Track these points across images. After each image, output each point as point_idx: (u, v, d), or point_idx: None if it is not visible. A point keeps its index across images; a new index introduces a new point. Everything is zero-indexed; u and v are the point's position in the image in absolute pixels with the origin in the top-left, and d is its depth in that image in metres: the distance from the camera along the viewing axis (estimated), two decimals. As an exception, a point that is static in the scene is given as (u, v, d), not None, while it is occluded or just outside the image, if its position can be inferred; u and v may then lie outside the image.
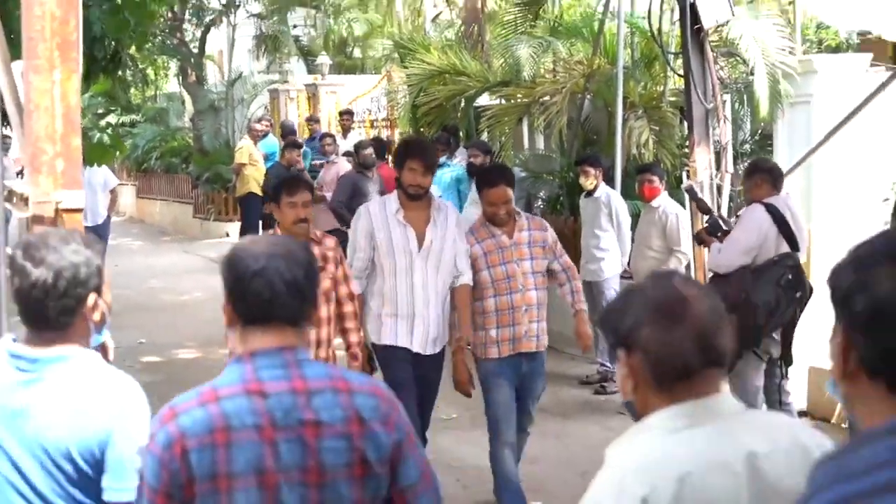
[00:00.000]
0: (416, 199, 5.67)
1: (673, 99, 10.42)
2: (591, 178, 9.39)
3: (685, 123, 9.71)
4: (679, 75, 9.72)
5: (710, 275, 7.16)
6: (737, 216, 8.05)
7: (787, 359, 6.86)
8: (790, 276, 6.52)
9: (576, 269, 6.59)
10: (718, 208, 9.03)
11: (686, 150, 9.55)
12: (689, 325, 2.24)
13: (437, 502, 2.81)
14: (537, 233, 6.18)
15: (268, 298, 2.47)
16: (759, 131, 10.34)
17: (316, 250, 4.69)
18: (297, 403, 2.46)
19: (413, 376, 5.78)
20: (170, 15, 21.40)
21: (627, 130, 10.25)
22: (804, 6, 8.41)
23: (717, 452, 2.30)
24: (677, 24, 9.46)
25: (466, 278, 5.79)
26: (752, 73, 10.14)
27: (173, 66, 25.40)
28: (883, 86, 7.89)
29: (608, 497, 2.28)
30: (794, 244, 6.61)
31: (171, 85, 27.88)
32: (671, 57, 10.25)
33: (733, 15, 9.64)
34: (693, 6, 8.89)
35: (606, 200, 9.20)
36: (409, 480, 2.61)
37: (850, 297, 1.76)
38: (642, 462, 2.32)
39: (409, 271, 5.61)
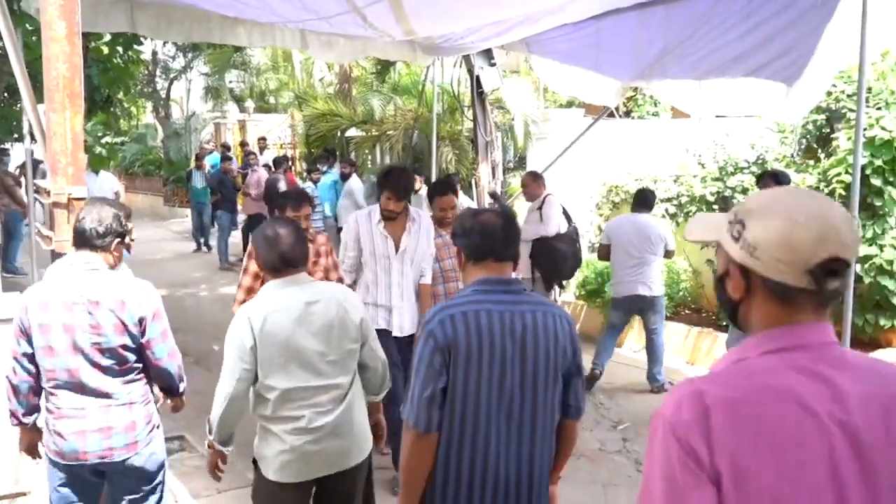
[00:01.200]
0: (390, 221, 4.57)
1: (466, 134, 10.61)
2: (418, 183, 9.58)
3: (474, 149, 9.92)
4: (470, 120, 9.95)
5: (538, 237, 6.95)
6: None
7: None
8: (576, 238, 7.04)
9: None
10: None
11: (475, 166, 9.73)
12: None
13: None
14: None
15: None
16: (518, 156, 10.63)
17: (310, 247, 3.61)
18: None
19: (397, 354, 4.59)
20: (146, 72, 20.81)
21: (440, 154, 10.40)
22: (543, 79, 8.65)
23: (287, 301, 2.89)
24: (469, 88, 9.65)
25: (428, 278, 4.82)
26: (513, 119, 10.44)
27: (148, 105, 24.43)
28: (588, 128, 8.31)
29: (235, 325, 2.88)
30: (570, 220, 7.05)
31: (148, 118, 26.79)
32: (466, 108, 10.52)
33: (502, 83, 9.94)
34: (478, 77, 9.12)
35: (423, 195, 9.23)
36: None
37: (464, 230, 2.49)
38: (255, 304, 2.92)
39: (388, 271, 4.62)
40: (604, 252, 6.77)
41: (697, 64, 6.13)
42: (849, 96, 6.53)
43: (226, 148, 16.76)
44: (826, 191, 6.66)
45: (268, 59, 21.72)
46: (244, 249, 12.06)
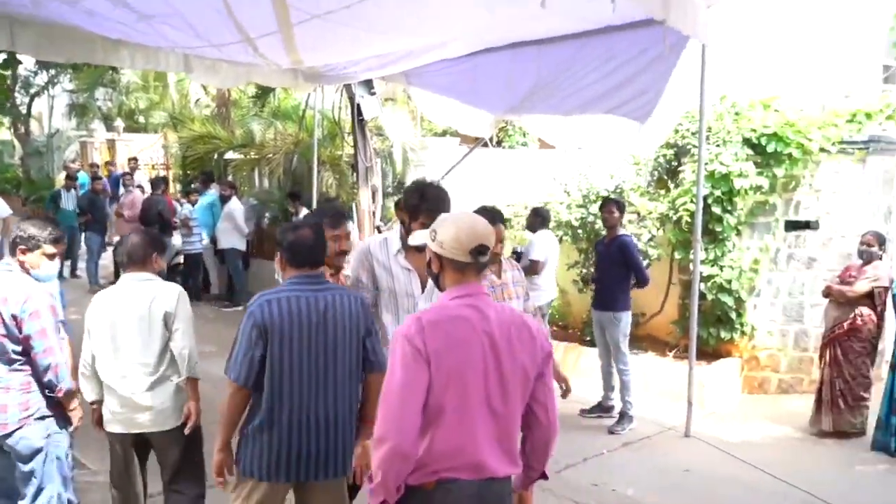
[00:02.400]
0: (413, 252, 3.58)
1: (347, 159, 10.80)
2: (295, 206, 9.71)
3: (355, 174, 10.16)
4: (351, 146, 10.19)
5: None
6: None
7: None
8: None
9: None
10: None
11: (355, 191, 9.95)
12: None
13: None
14: (517, 273, 4.26)
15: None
16: (397, 181, 10.92)
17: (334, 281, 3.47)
18: None
19: None
20: (4, 86, 19.62)
21: (320, 178, 10.54)
22: (421, 109, 9.03)
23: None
24: (349, 115, 9.91)
25: None
26: (392, 146, 10.76)
27: (6, 121, 23.02)
28: (464, 157, 8.77)
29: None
30: None
31: (5, 135, 25.21)
32: (346, 134, 10.76)
33: (381, 112, 10.27)
34: (359, 105, 9.41)
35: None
36: None
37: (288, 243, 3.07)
38: None
39: (410, 313, 3.54)
40: (540, 268, 7.07)
41: (563, 101, 6.69)
42: (693, 134, 7.31)
43: (95, 168, 16.21)
44: (675, 217, 7.41)
45: (138, 78, 21.06)
46: (115, 271, 11.73)
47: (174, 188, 14.30)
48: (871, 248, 6.20)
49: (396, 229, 3.59)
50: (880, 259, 6.24)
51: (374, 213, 9.84)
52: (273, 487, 3.02)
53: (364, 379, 3.18)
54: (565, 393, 4.10)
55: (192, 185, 11.79)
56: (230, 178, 11.90)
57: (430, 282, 3.31)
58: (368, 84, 9.35)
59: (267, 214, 11.61)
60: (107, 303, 3.64)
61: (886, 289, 6.08)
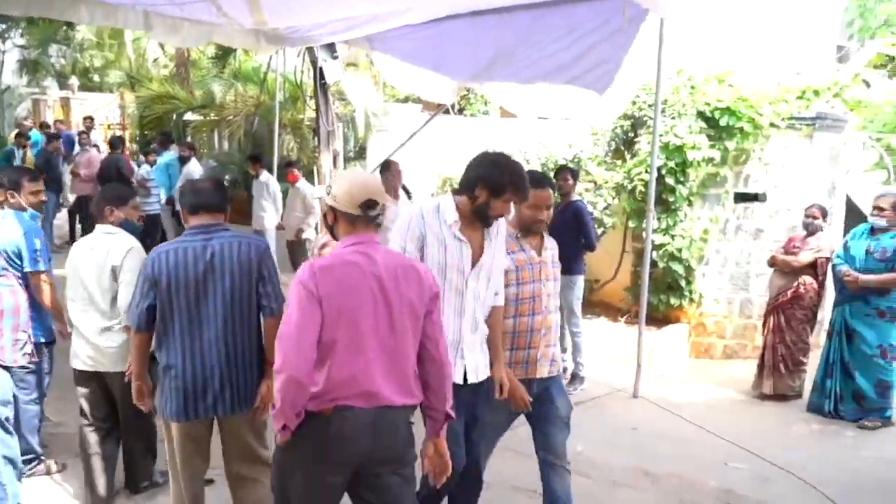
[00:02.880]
0: (488, 226, 3.26)
1: (308, 123, 10.78)
2: (256, 168, 9.65)
3: (316, 138, 10.15)
4: (313, 109, 10.17)
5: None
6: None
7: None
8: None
9: None
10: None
11: (316, 154, 9.94)
12: None
13: None
14: (555, 251, 3.71)
15: None
16: (359, 145, 10.94)
17: None
18: None
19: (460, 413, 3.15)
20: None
21: (281, 141, 10.50)
22: (383, 75, 9.02)
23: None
24: (312, 78, 9.87)
25: (500, 298, 3.40)
26: (354, 111, 10.76)
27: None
28: (425, 123, 8.83)
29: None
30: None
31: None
32: (308, 98, 10.71)
33: (344, 76, 10.25)
34: (321, 69, 9.38)
35: (266, 181, 9.24)
36: None
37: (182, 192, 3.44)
38: None
39: (460, 293, 3.20)
40: None
41: (523, 70, 6.77)
42: (649, 106, 7.46)
43: (46, 128, 15.81)
44: (630, 187, 7.60)
45: (93, 35, 20.51)
46: (70, 232, 11.57)
47: (131, 148, 14.08)
48: (816, 220, 6.45)
49: (449, 197, 3.25)
50: (822, 231, 6.51)
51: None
52: (187, 426, 3.24)
53: (263, 322, 3.32)
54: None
55: (151, 146, 11.64)
56: (189, 139, 11.78)
57: (483, 258, 3.21)
58: (331, 48, 9.29)
59: (227, 176, 11.55)
60: (76, 252, 3.95)
61: (827, 259, 6.35)
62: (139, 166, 11.08)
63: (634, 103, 7.67)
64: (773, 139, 7.64)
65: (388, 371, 2.59)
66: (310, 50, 9.41)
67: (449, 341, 3.02)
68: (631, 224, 7.74)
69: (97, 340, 3.88)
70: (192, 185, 3.46)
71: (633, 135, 7.98)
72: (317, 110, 9.64)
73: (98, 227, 3.94)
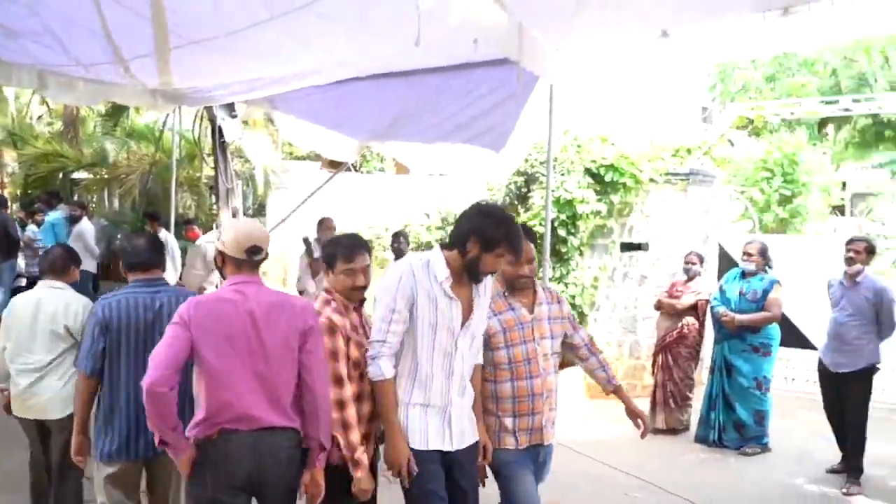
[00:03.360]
0: (478, 283, 3.10)
1: (206, 181, 10.75)
2: (154, 227, 9.52)
3: (214, 196, 10.11)
4: (211, 167, 10.16)
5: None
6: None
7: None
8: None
9: (595, 341, 3.71)
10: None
11: (214, 212, 9.91)
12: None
13: None
14: (555, 307, 3.50)
15: None
16: (258, 203, 10.97)
17: (356, 317, 3.19)
18: None
19: (442, 484, 3.06)
20: None
21: (178, 199, 10.40)
22: (285, 134, 9.17)
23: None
24: (209, 136, 9.88)
25: (479, 357, 3.27)
26: (254, 169, 10.84)
27: None
28: (328, 180, 9.02)
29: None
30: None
31: None
32: (206, 156, 10.69)
33: (242, 135, 10.33)
34: (220, 127, 9.44)
35: (164, 239, 9.17)
36: None
37: (124, 250, 3.61)
38: None
39: (450, 354, 3.03)
40: None
41: (426, 130, 7.12)
42: (541, 163, 7.99)
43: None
44: (526, 239, 8.04)
45: (-33, 91, 19.59)
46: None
47: (12, 209, 13.51)
48: (694, 265, 7.06)
49: (438, 252, 3.07)
50: (700, 276, 7.13)
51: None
52: (124, 465, 3.41)
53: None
54: (643, 433, 3.60)
55: (36, 206, 11.24)
56: (77, 198, 11.46)
57: (472, 317, 3.06)
58: (230, 107, 9.37)
59: (119, 236, 11.29)
60: (22, 303, 4.10)
61: (706, 301, 6.95)
62: (24, 227, 10.69)
63: (527, 160, 8.16)
64: (652, 193, 8.31)
65: (263, 397, 2.86)
66: (208, 109, 9.46)
67: (437, 406, 3.02)
68: (527, 274, 8.16)
69: (37, 389, 4.02)
70: (130, 243, 3.62)
71: (526, 190, 8.47)
72: (215, 168, 9.64)
73: (46, 281, 4.14)
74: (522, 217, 8.22)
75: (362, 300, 3.24)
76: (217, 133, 9.46)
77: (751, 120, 12.61)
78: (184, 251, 9.11)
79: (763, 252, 6.37)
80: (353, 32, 4.82)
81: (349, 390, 3.02)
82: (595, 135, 8.38)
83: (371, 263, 3.17)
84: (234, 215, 9.91)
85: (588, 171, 7.99)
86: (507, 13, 4.55)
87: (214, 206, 10.23)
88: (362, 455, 2.99)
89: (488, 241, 2.95)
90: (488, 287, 3.20)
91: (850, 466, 5.72)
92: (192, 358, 2.90)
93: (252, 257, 2.97)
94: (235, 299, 2.91)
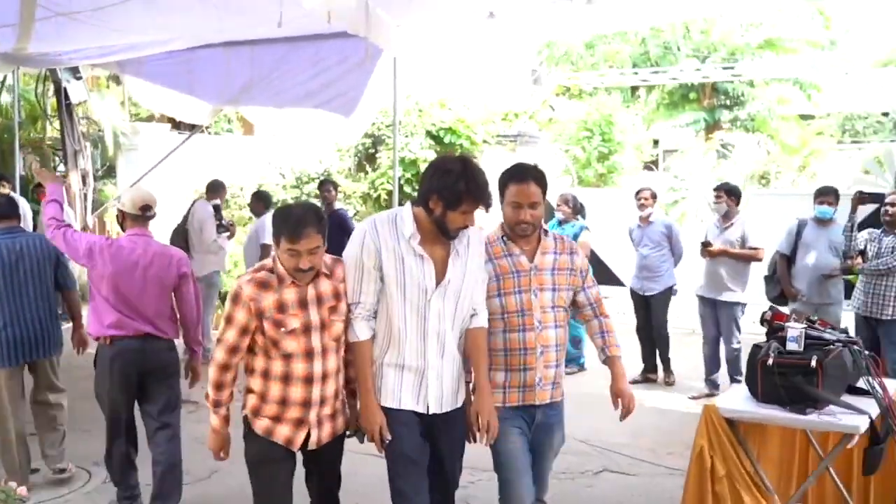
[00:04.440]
0: (451, 239, 2.83)
1: (50, 143, 10.53)
2: (3, 187, 9.27)
3: (59, 158, 9.96)
4: (56, 129, 10.00)
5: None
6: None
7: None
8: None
9: (604, 304, 3.24)
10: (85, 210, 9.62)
11: (63, 174, 9.80)
12: None
13: None
14: (564, 257, 3.08)
15: None
16: (107, 165, 10.87)
17: (328, 285, 2.83)
18: None
19: (423, 444, 2.87)
20: None
21: (23, 160, 10.16)
22: (136, 97, 9.21)
23: None
24: (52, 97, 9.74)
25: (482, 319, 2.93)
26: (101, 131, 10.70)
27: None
28: (183, 142, 9.23)
29: None
30: None
31: None
32: (50, 117, 10.47)
33: (88, 97, 10.19)
34: (65, 89, 9.35)
35: (17, 201, 8.97)
36: None
37: None
38: None
39: (422, 315, 2.80)
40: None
41: (278, 96, 7.55)
42: (387, 126, 8.65)
43: None
44: (374, 195, 8.73)
45: None
46: None
47: None
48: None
49: (407, 208, 2.86)
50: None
51: (85, 195, 9.79)
52: (8, 371, 4.21)
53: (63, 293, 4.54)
54: (622, 414, 3.04)
55: None
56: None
57: (449, 274, 2.79)
58: (75, 69, 9.31)
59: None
60: None
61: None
62: None
63: (374, 124, 8.81)
64: (486, 152, 9.21)
65: (143, 317, 3.84)
66: (52, 70, 9.32)
67: (412, 367, 2.80)
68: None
69: None
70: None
71: (373, 150, 9.14)
72: (62, 130, 9.54)
73: None
74: (371, 175, 8.89)
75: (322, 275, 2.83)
76: (62, 94, 9.37)
77: (568, 87, 13.82)
78: (35, 213, 9.01)
79: (570, 202, 7.27)
80: (214, 9, 5.24)
81: (235, 358, 2.81)
82: (435, 100, 9.15)
83: (323, 244, 2.77)
84: (83, 177, 9.85)
85: (429, 134, 8.76)
86: (355, -5, 5.17)
87: (61, 168, 10.11)
88: (212, 417, 2.89)
89: (450, 198, 2.71)
90: (474, 242, 2.88)
91: (666, 369, 6.83)
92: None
93: (145, 213, 3.85)
94: (126, 246, 3.83)
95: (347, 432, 3.00)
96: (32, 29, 5.42)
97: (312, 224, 2.72)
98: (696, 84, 18.08)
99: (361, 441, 2.94)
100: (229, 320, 2.79)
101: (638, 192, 6.82)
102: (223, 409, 2.89)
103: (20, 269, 4.19)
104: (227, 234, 7.48)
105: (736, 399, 3.17)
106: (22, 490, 1.88)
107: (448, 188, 2.72)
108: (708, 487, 2.99)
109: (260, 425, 2.84)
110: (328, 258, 2.86)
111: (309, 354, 2.76)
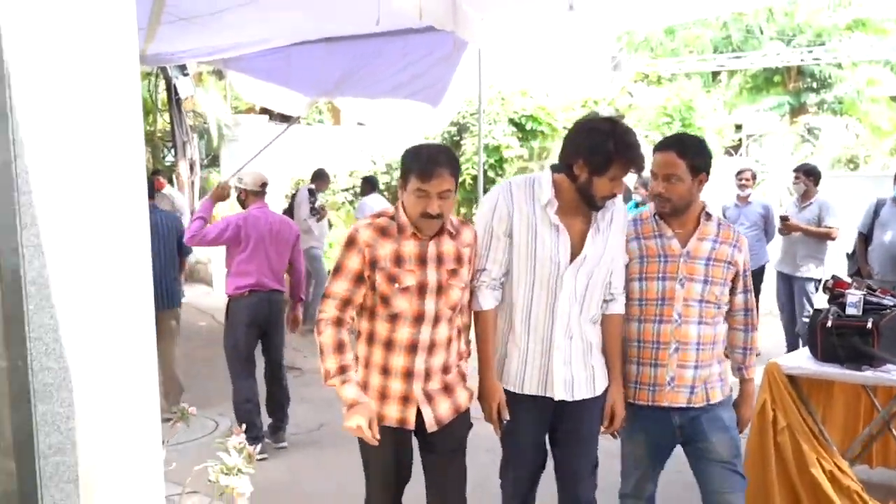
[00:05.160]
0: (597, 209, 2.53)
1: (160, 135, 11.32)
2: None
3: (168, 149, 10.71)
4: (165, 122, 10.75)
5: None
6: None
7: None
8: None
9: (757, 314, 2.85)
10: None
11: (173, 165, 10.56)
12: None
13: None
14: (725, 247, 2.69)
15: None
16: (211, 155, 11.59)
17: (451, 246, 2.48)
18: None
19: (543, 433, 2.64)
20: None
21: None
22: (239, 91, 9.85)
23: None
24: (163, 92, 10.47)
25: (619, 305, 2.67)
26: (206, 123, 11.44)
27: None
28: (281, 133, 9.81)
29: None
30: None
31: None
32: (160, 111, 11.27)
33: (195, 91, 10.93)
34: (175, 85, 10.09)
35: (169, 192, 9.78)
36: None
37: None
38: None
39: (553, 292, 2.52)
40: None
41: (371, 87, 8.00)
42: (471, 115, 9.02)
43: None
44: (460, 180, 9.12)
45: None
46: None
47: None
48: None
49: (547, 173, 2.58)
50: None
51: (193, 182, 10.56)
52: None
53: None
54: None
55: None
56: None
57: (586, 250, 2.52)
58: (182, 66, 10.04)
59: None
60: None
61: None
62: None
63: (459, 112, 9.19)
64: (566, 138, 9.47)
65: (272, 272, 4.65)
66: (162, 68, 10.07)
67: (537, 348, 2.54)
68: (463, 211, 9.28)
69: None
70: None
71: (458, 138, 9.52)
72: (171, 123, 10.31)
73: None
74: (455, 162, 9.29)
75: (447, 232, 2.49)
76: (171, 90, 10.11)
77: (646, 74, 13.85)
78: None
79: (647, 185, 7.44)
80: (315, 10, 5.73)
81: (347, 313, 2.46)
82: (517, 89, 9.46)
83: (456, 189, 2.45)
84: (191, 166, 10.64)
85: (511, 121, 9.09)
86: (444, -6, 5.55)
87: (170, 159, 10.89)
88: (344, 389, 2.40)
89: (597, 161, 2.42)
90: (618, 217, 2.61)
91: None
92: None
93: (264, 188, 4.86)
94: (259, 216, 4.74)
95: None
96: (157, 32, 6.01)
97: (445, 164, 2.37)
98: (781, 67, 17.73)
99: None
100: (339, 269, 2.44)
101: (739, 173, 7.03)
102: (351, 374, 2.41)
103: (154, 238, 4.88)
104: (318, 216, 8.08)
105: (797, 358, 3.41)
106: (192, 409, 2.29)
107: (596, 150, 2.42)
108: (770, 438, 3.19)
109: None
110: (455, 218, 2.55)
111: (418, 318, 2.41)
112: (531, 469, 2.64)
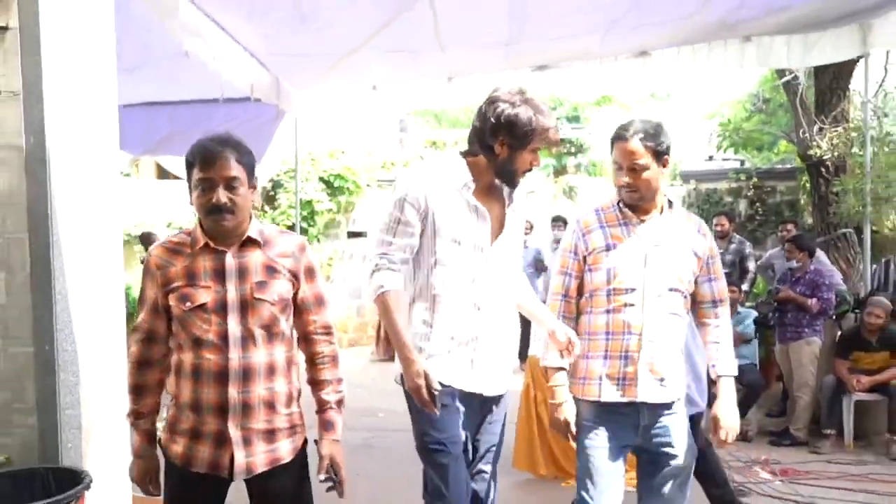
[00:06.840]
0: (514, 187, 2.45)
1: None
2: None
3: None
4: None
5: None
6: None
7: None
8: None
9: (728, 304, 2.65)
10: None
11: None
12: None
13: None
14: (689, 235, 2.54)
15: None
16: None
17: (259, 257, 2.15)
18: None
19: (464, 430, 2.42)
20: None
21: None
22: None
23: None
24: None
25: (526, 285, 2.62)
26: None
27: None
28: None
29: None
30: None
31: None
32: None
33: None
34: None
35: None
36: None
37: None
38: None
39: (474, 276, 2.36)
40: None
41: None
42: (285, 173, 10.00)
43: None
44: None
45: None
46: None
47: None
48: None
49: (456, 154, 2.43)
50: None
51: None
52: None
53: None
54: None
55: None
56: None
57: (506, 233, 2.42)
58: None
59: None
60: None
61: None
62: None
63: (275, 171, 10.17)
64: (369, 194, 10.76)
65: None
66: None
67: (461, 340, 2.35)
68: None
69: None
70: None
71: (273, 193, 10.46)
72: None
73: None
74: (271, 214, 10.18)
75: (249, 238, 2.14)
76: None
77: (434, 141, 15.65)
78: None
79: None
80: (167, 80, 6.55)
81: (153, 350, 2.19)
82: (325, 151, 10.63)
83: (247, 186, 2.12)
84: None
85: (322, 179, 10.21)
86: (272, 76, 6.67)
87: None
88: (132, 435, 2.22)
89: (519, 134, 2.29)
90: (519, 195, 2.49)
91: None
92: None
93: None
94: None
95: (320, 477, 2.15)
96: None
97: (229, 148, 2.07)
98: (545, 134, 20.39)
99: (341, 495, 2.16)
100: (140, 300, 2.17)
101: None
102: (143, 421, 2.17)
103: None
104: None
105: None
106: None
107: (515, 123, 2.28)
108: (532, 410, 4.54)
109: (176, 451, 2.13)
110: (271, 227, 2.22)
111: (223, 341, 2.06)
112: (460, 463, 2.40)
